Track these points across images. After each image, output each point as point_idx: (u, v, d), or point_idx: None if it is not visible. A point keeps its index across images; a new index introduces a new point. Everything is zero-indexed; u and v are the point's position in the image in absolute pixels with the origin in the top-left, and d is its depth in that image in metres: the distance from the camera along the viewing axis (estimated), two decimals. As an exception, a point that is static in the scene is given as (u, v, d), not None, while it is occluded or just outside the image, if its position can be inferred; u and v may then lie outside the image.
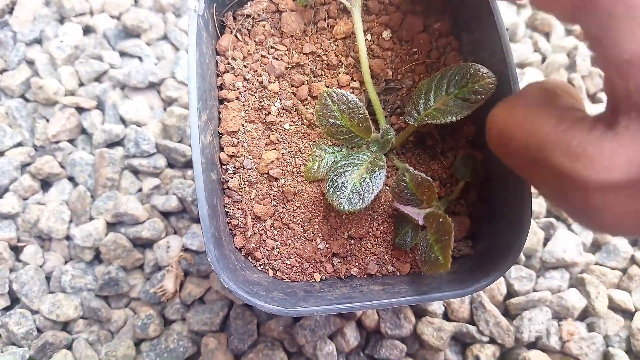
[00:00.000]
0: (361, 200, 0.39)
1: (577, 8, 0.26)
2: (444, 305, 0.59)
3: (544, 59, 0.74)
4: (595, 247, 0.65)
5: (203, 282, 0.60)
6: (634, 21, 0.24)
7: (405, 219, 0.44)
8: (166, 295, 0.57)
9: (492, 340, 0.59)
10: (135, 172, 0.65)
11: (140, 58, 0.71)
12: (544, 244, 0.63)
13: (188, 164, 0.65)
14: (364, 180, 0.39)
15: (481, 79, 0.39)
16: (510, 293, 0.61)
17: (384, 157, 0.43)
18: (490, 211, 0.46)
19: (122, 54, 0.71)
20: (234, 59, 0.49)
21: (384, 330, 0.58)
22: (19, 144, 0.66)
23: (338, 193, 0.39)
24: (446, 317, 0.60)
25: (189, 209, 0.62)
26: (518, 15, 0.76)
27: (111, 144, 0.65)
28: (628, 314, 0.62)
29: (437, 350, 0.58)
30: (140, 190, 0.64)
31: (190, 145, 0.65)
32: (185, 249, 0.60)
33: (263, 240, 0.46)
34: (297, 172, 0.46)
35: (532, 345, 0.60)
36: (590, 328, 0.60)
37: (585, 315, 0.61)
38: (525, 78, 0.71)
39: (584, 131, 0.26)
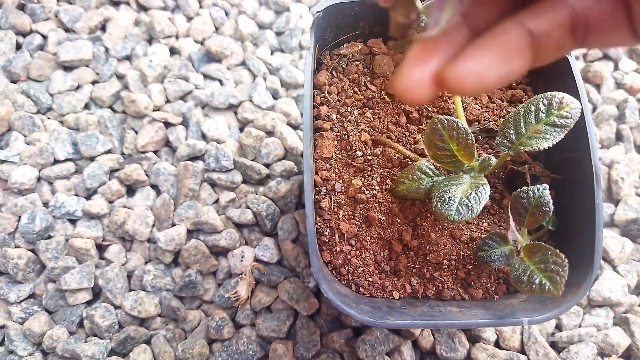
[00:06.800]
0: (470, 211, 0.41)
1: None
2: (496, 334, 0.63)
3: (594, 109, 0.79)
4: None
5: (272, 292, 0.64)
6: None
7: (499, 238, 0.48)
8: (239, 300, 0.62)
9: (540, 370, 0.62)
10: (213, 185, 0.70)
11: (221, 81, 0.78)
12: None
13: (261, 181, 0.71)
14: (470, 194, 0.42)
15: (567, 105, 0.43)
16: (559, 327, 0.65)
17: (484, 177, 0.46)
18: (560, 247, 0.50)
19: (205, 76, 0.78)
20: (329, 93, 0.55)
21: (439, 352, 0.61)
22: (109, 151, 0.72)
23: (446, 205, 0.42)
24: (497, 344, 0.64)
25: (262, 223, 0.67)
26: (572, 66, 0.82)
27: (193, 158, 0.71)
28: (669, 357, 0.65)
29: (488, 375, 0.61)
30: (216, 201, 0.70)
31: (264, 165, 0.71)
32: (257, 260, 0.65)
33: (348, 259, 0.50)
34: (381, 199, 0.51)
35: (576, 378, 0.63)
36: (634, 366, 0.64)
37: (629, 353, 0.64)
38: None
39: None
